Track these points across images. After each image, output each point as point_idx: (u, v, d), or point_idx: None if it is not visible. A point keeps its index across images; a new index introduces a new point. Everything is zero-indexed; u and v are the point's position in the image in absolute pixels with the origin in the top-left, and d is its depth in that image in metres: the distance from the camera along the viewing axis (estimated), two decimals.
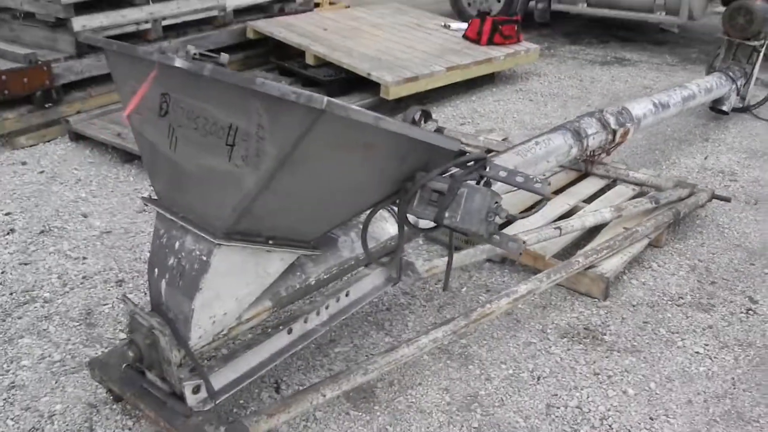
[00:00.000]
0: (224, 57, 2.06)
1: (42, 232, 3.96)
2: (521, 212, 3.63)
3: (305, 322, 2.61)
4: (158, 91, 2.17)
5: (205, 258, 2.18)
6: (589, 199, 3.94)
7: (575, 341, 2.98)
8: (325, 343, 2.95)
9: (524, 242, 2.28)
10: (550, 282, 3.03)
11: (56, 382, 2.78)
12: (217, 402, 2.33)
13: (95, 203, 4.31)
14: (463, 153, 2.18)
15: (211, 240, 2.14)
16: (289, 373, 2.78)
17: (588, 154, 4.01)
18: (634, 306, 3.22)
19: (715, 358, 2.90)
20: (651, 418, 2.58)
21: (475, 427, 2.53)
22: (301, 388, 2.64)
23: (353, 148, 1.98)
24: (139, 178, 4.63)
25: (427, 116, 4.57)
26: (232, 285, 2.27)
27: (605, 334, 3.02)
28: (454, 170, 2.27)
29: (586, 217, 3.47)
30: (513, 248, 2.15)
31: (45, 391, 2.73)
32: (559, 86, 6.64)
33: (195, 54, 2.05)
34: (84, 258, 3.69)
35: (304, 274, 2.52)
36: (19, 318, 3.18)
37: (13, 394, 2.72)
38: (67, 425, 2.57)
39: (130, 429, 2.54)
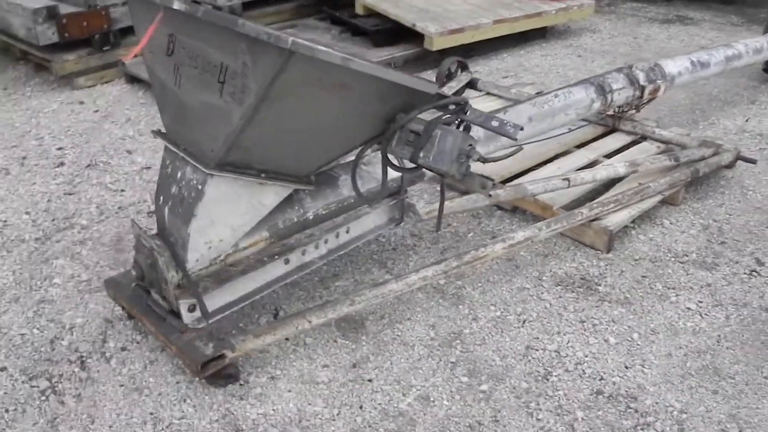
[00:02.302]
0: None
1: (88, 165, 4.23)
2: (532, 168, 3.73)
3: (303, 254, 2.75)
4: (166, 32, 2.33)
5: (200, 187, 2.35)
6: (612, 155, 3.93)
7: (568, 290, 3.04)
8: (328, 277, 3.11)
9: (493, 183, 2.35)
10: (550, 231, 3.10)
11: (81, 299, 3.03)
12: (210, 321, 2.51)
13: (141, 141, 4.55)
14: (441, 96, 2.27)
15: (204, 170, 2.30)
16: (290, 302, 2.95)
17: (615, 109, 4.01)
18: (635, 260, 3.25)
19: (705, 315, 2.90)
20: (626, 367, 2.62)
21: (452, 362, 2.65)
22: None
23: (329, 87, 2.09)
24: None
25: (463, 67, 4.63)
26: (226, 213, 2.43)
27: (600, 285, 3.07)
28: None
29: (598, 171, 3.48)
30: (480, 189, 2.24)
31: (70, 307, 2.98)
32: (612, 43, 6.53)
33: None
34: (122, 190, 3.94)
35: (302, 209, 2.67)
36: (57, 242, 3.45)
37: (42, 307, 2.98)
38: (84, 336, 2.81)
39: (138, 342, 2.76)
